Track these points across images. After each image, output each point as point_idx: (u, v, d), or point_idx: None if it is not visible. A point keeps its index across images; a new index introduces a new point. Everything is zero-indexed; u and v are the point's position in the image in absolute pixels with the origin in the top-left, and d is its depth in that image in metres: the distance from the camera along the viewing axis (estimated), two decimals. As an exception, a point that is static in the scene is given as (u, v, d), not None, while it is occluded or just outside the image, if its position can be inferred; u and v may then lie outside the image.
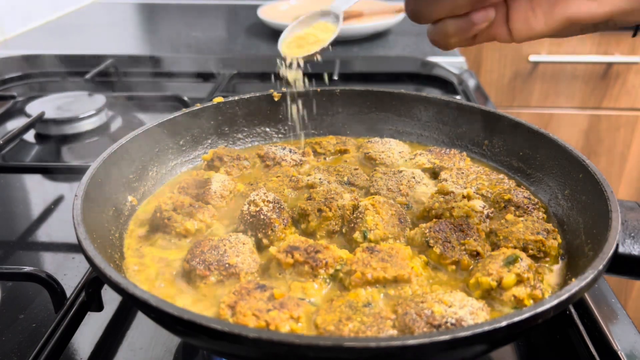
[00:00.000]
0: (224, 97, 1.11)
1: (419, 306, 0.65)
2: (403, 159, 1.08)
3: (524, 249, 0.77)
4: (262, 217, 0.82)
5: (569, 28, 0.70)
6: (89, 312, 0.79)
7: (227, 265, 0.74)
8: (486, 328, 0.52)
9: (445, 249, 0.77)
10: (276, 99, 1.13)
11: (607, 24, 0.69)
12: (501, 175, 0.99)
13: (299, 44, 0.84)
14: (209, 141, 1.10)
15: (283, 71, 0.84)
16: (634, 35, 0.78)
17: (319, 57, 0.83)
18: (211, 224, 0.86)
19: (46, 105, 1.46)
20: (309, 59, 0.83)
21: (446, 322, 0.62)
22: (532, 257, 0.76)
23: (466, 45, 0.76)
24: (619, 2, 0.66)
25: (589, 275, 0.60)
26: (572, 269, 0.76)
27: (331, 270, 0.73)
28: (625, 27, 0.71)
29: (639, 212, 0.75)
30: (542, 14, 0.70)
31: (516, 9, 0.71)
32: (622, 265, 0.69)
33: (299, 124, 1.02)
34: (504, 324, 0.53)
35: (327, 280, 0.73)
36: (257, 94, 1.13)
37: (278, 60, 0.85)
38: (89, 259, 0.64)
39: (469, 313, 0.63)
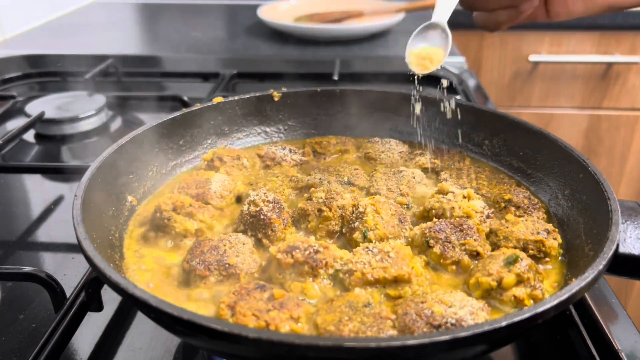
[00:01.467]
0: (224, 97, 1.11)
1: (419, 306, 0.65)
2: (403, 159, 1.08)
3: (524, 249, 0.77)
4: (262, 217, 0.82)
5: (605, 11, 0.85)
6: (88, 312, 0.79)
7: (227, 265, 0.74)
8: (486, 328, 0.52)
9: (445, 249, 0.77)
10: (276, 99, 1.13)
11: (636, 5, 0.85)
12: (501, 175, 0.99)
13: (421, 61, 0.92)
14: (209, 141, 1.10)
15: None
16: None
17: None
18: (211, 224, 0.86)
19: (46, 105, 1.46)
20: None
21: (446, 322, 0.62)
22: (532, 257, 0.76)
23: (511, 25, 0.90)
24: None
25: (589, 275, 0.60)
26: (572, 269, 0.76)
27: (331, 270, 0.73)
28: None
29: (639, 212, 0.75)
30: (582, 1, 0.84)
31: None
32: (622, 265, 0.69)
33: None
34: (504, 324, 0.53)
35: (327, 280, 0.73)
36: (257, 94, 1.13)
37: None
38: (88, 259, 0.64)
39: (469, 313, 0.63)
